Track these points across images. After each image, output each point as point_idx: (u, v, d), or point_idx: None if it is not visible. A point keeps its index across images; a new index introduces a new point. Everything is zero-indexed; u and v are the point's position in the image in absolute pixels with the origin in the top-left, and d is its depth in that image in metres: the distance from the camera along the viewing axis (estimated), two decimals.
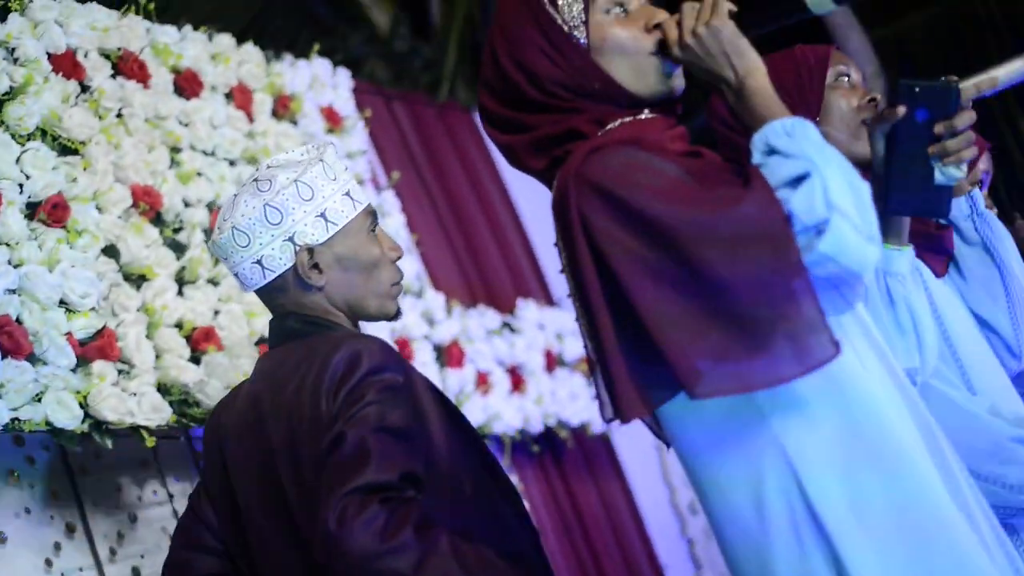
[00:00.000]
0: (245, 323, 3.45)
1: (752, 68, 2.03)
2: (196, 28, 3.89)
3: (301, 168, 2.44)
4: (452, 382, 4.26)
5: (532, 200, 5.22)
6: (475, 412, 4.27)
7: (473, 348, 4.43)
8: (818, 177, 1.86)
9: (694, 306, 1.89)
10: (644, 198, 1.93)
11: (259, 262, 2.44)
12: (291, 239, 2.42)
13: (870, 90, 2.77)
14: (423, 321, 4.25)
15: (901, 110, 2.12)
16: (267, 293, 2.50)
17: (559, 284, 5.14)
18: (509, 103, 2.17)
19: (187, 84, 3.70)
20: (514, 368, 4.62)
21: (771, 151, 1.95)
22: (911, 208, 2.19)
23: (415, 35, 7.16)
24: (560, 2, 2.14)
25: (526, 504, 4.49)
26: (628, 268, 1.94)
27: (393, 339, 4.04)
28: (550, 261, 5.20)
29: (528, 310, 4.83)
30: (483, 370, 4.45)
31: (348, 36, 6.79)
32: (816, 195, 1.85)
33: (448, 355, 4.30)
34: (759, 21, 2.09)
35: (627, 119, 2.12)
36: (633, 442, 5.18)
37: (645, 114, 2.13)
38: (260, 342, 3.46)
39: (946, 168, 2.13)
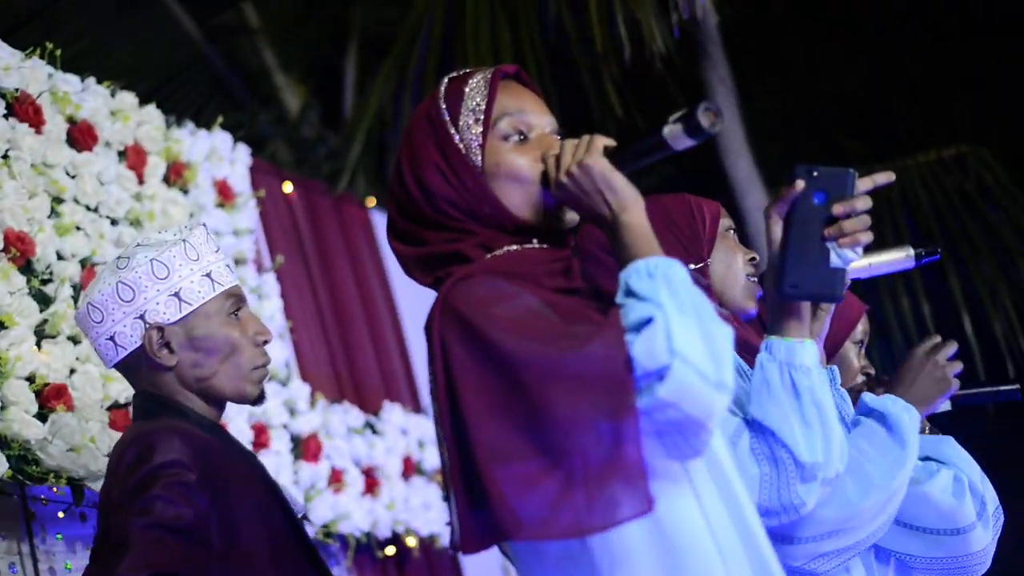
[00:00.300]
0: (100, 386, 3.35)
1: (626, 203, 2.02)
2: (101, 82, 3.83)
3: (163, 248, 2.43)
4: (305, 475, 4.17)
5: (415, 306, 5.19)
6: (324, 509, 4.19)
7: (331, 444, 4.36)
8: (662, 322, 1.86)
9: (529, 446, 1.87)
10: (499, 331, 1.91)
11: (112, 339, 2.45)
12: (142, 317, 2.41)
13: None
14: (284, 410, 4.17)
15: (800, 184, 2.13)
16: (123, 370, 2.50)
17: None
18: (407, 215, 2.17)
19: (81, 136, 3.63)
20: (370, 470, 4.55)
21: (629, 292, 1.95)
22: (806, 291, 2.17)
23: (324, 123, 7.17)
24: (461, 122, 2.15)
25: None
26: (473, 401, 1.92)
27: (251, 424, 3.96)
28: (423, 368, 5.15)
29: (393, 413, 4.78)
30: (339, 467, 4.37)
31: (257, 114, 6.78)
32: (657, 340, 1.85)
33: (305, 448, 4.22)
34: (626, 159, 2.09)
35: (513, 247, 2.11)
36: (480, 560, 5.11)
37: (534, 243, 2.13)
38: (112, 407, 3.36)
39: (842, 250, 2.12)
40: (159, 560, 2.11)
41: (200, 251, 2.46)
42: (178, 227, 2.55)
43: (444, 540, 4.79)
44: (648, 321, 1.87)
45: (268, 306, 4.28)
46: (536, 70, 5.31)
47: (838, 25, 6.99)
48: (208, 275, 2.45)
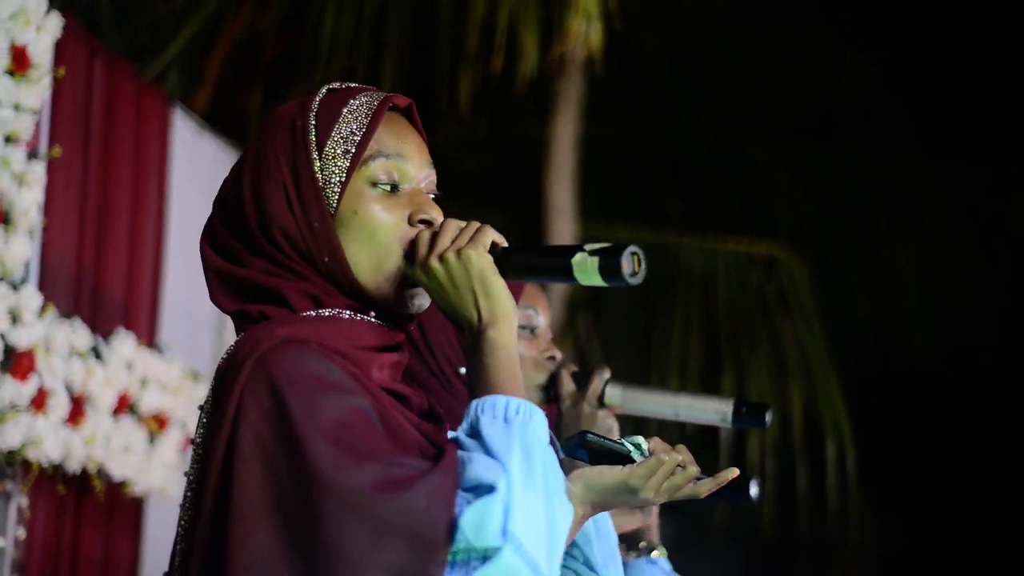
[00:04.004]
0: None
1: (500, 317, 1.76)
2: None
3: None
4: (6, 393, 3.73)
5: (188, 233, 4.79)
6: (15, 434, 3.75)
7: (47, 362, 3.93)
8: (503, 497, 1.58)
9: (292, 571, 1.60)
10: (315, 433, 1.62)
11: None
12: None
13: (553, 342, 2.58)
14: (6, 316, 3.72)
15: None
16: None
17: (170, 329, 4.71)
18: (232, 228, 1.85)
19: None
20: (81, 398, 4.14)
21: (476, 432, 1.67)
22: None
23: None
24: (327, 149, 1.81)
25: (21, 534, 4.04)
26: (248, 497, 1.63)
27: None
28: (173, 305, 4.76)
29: (125, 344, 4.36)
30: (47, 388, 3.95)
31: None
32: (493, 517, 1.58)
33: (16, 363, 3.77)
34: (512, 267, 1.81)
35: (346, 314, 1.79)
36: (165, 515, 4.79)
37: (371, 317, 1.81)
38: None
39: None
40: None
41: None
42: None
43: (135, 488, 4.43)
44: (490, 488, 1.59)
45: (27, 197, 3.80)
46: (397, 36, 4.97)
47: (705, 88, 6.85)
48: None
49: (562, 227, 5.99)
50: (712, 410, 2.47)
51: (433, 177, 1.91)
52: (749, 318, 6.04)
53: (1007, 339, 7.16)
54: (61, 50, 4.15)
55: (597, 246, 1.77)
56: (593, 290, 5.97)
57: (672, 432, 5.98)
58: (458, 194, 6.63)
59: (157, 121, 4.93)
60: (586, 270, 1.76)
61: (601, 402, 2.47)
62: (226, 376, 1.73)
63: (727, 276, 6.08)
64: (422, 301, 1.86)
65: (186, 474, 1.81)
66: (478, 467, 1.62)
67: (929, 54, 7.34)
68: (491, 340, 1.75)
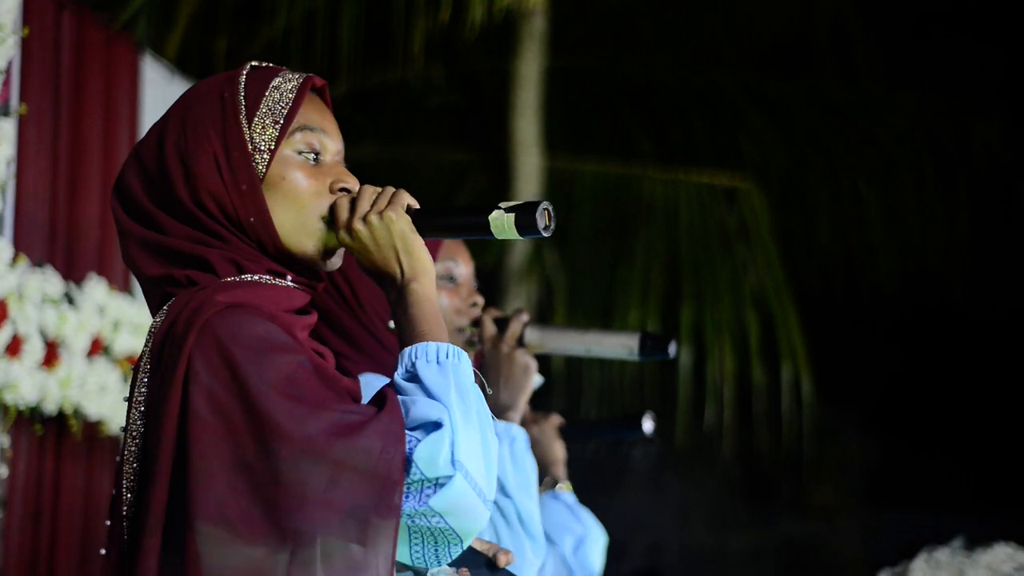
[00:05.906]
0: None
1: (420, 271, 1.95)
2: None
3: None
4: None
5: None
6: None
7: (21, 310, 4.10)
8: (449, 431, 1.79)
9: (260, 522, 1.76)
10: (267, 390, 1.78)
11: None
12: None
13: (477, 288, 2.74)
14: None
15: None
16: None
17: None
18: (152, 194, 1.98)
19: None
20: (55, 343, 4.31)
21: (414, 376, 1.86)
22: None
23: None
24: (256, 119, 1.97)
25: (4, 472, 4.23)
26: (208, 450, 1.78)
27: None
28: None
29: (96, 289, 4.52)
30: (22, 334, 4.13)
31: None
32: (443, 450, 1.78)
33: None
34: (428, 227, 1.99)
35: (266, 277, 1.96)
36: None
37: (288, 281, 1.98)
38: None
39: None
40: None
41: None
42: None
43: (112, 427, 4.62)
44: (436, 425, 1.79)
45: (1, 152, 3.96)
46: None
47: (670, 19, 6.93)
48: None
49: (528, 162, 6.13)
50: (619, 345, 2.67)
51: (343, 152, 2.08)
52: (710, 248, 6.20)
53: (969, 266, 7.31)
54: (29, 3, 4.26)
55: (511, 204, 1.96)
56: (558, 224, 6.07)
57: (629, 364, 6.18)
58: (424, 132, 6.76)
59: (127, 68, 5.04)
60: (503, 227, 1.94)
61: (520, 343, 2.66)
62: (168, 340, 1.86)
63: (689, 207, 6.23)
64: (336, 261, 2.03)
65: (123, 429, 1.95)
66: (422, 407, 1.80)
67: None
68: (415, 292, 1.93)
